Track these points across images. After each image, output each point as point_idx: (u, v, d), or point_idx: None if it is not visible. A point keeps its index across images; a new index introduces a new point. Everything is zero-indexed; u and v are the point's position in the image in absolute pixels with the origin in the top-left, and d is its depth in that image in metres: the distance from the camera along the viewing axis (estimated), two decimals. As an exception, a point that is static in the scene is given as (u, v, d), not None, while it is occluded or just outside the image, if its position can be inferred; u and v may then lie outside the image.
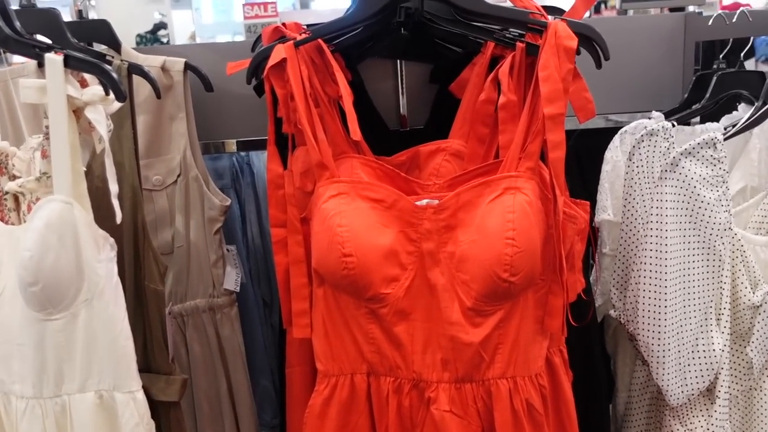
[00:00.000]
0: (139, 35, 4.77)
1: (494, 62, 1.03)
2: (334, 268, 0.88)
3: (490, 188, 0.87)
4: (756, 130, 1.25)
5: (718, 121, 1.30)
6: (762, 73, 1.26)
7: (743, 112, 1.25)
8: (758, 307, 1.06)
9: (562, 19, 0.84)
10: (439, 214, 0.89)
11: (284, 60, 0.91)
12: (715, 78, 1.29)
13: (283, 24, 1.03)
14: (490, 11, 0.88)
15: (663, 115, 1.20)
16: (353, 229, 0.88)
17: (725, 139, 1.00)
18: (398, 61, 1.28)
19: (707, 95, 1.30)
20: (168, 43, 4.70)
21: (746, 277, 1.06)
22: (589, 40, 0.86)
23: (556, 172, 0.86)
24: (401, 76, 1.29)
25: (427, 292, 0.90)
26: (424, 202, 0.91)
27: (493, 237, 0.85)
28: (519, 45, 0.93)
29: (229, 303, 1.32)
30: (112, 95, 0.87)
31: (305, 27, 1.01)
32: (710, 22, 1.19)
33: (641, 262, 1.03)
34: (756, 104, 1.02)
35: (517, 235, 0.84)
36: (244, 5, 2.32)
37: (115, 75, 0.85)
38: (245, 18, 2.28)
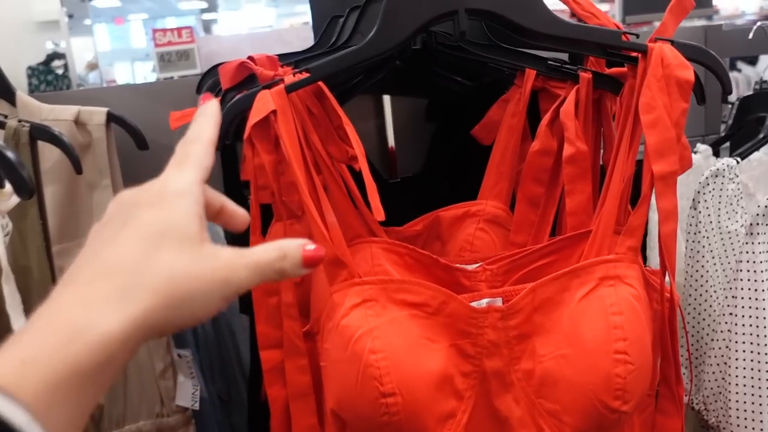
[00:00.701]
0: (30, 68, 4.21)
1: (533, 98, 0.79)
2: (370, 413, 0.61)
3: (579, 279, 0.63)
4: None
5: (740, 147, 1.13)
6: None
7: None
8: None
9: (667, 41, 0.61)
10: (508, 320, 0.63)
11: (273, 113, 0.62)
12: (737, 102, 1.12)
13: (250, 58, 0.75)
14: (564, 32, 0.62)
15: (710, 148, 1.01)
16: (392, 353, 0.61)
17: (820, 180, 0.81)
18: (382, 96, 1.03)
19: (730, 121, 1.12)
20: (65, 74, 4.19)
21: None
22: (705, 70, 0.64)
23: (668, 251, 0.63)
24: (387, 113, 1.03)
25: (495, 428, 0.64)
26: (484, 302, 0.65)
27: (594, 351, 0.60)
28: (584, 76, 0.69)
29: (184, 422, 1.01)
30: (8, 187, 0.55)
31: (290, 64, 0.73)
32: (750, 36, 1.01)
33: (728, 339, 0.82)
34: None
35: (629, 347, 0.60)
36: (154, 32, 1.98)
37: (12, 157, 0.54)
38: (157, 45, 1.94)
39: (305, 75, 0.63)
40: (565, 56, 0.79)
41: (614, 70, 0.70)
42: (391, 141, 1.04)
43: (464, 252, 0.78)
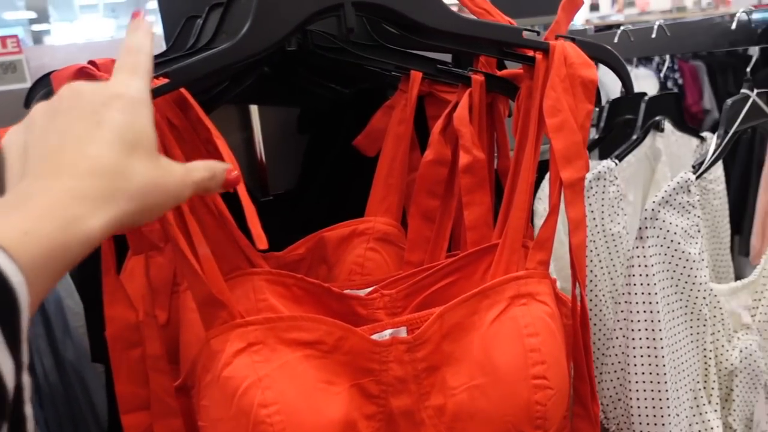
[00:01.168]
0: None
1: (419, 105, 0.73)
2: (263, 478, 0.51)
3: (489, 300, 0.57)
4: (663, 157, 1.12)
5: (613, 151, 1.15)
6: (658, 96, 1.13)
7: (654, 139, 1.11)
8: (736, 369, 0.89)
9: (568, 38, 0.57)
10: (415, 352, 0.56)
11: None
12: (607, 105, 1.14)
13: (92, 62, 0.62)
14: (462, 28, 0.56)
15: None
16: (286, 405, 0.52)
17: (697, 177, 0.82)
18: (248, 106, 0.92)
19: (602, 124, 1.14)
20: None
21: (724, 336, 0.89)
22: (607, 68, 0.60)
23: (579, 263, 0.59)
24: (255, 125, 0.93)
25: (407, 473, 0.57)
26: (387, 334, 0.58)
27: (510, 378, 0.54)
28: (476, 79, 0.64)
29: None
30: None
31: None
32: (615, 39, 1.02)
33: (625, 345, 0.80)
34: (718, 132, 0.86)
35: (547, 371, 0.55)
36: (-28, 38, 1.72)
37: None
38: (-24, 54, 1.69)
39: (163, 81, 0.52)
40: (447, 58, 0.74)
41: (506, 72, 0.66)
42: (260, 155, 0.94)
43: (354, 275, 0.70)
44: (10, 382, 0.28)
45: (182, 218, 0.54)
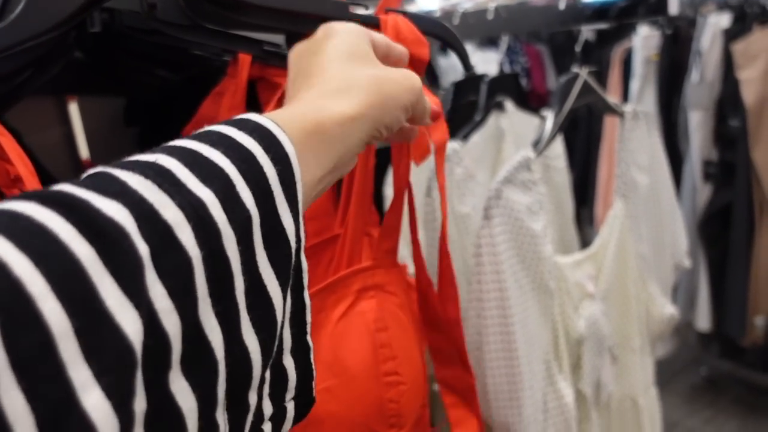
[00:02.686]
0: None
1: (252, 88, 0.68)
2: None
3: (335, 294, 0.54)
4: (508, 137, 1.15)
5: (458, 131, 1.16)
6: (496, 76, 1.15)
7: (498, 119, 1.13)
8: (583, 337, 0.93)
9: (400, 12, 0.54)
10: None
11: None
12: (451, 87, 1.15)
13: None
14: (281, 3, 0.52)
15: (434, 133, 1.00)
16: None
17: (538, 155, 0.84)
18: (66, 98, 0.83)
19: (448, 106, 1.15)
20: None
21: (570, 306, 0.92)
22: (442, 45, 0.58)
23: (416, 246, 0.57)
24: (74, 119, 0.84)
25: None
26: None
27: (361, 377, 0.51)
28: (306, 60, 0.60)
29: None
30: None
31: None
32: (456, 21, 1.02)
33: (479, 324, 0.81)
34: (553, 110, 0.88)
35: (399, 366, 0.52)
36: None
37: None
38: None
39: None
40: (281, 40, 0.69)
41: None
42: (83, 152, 0.85)
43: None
44: (293, 241, 0.31)
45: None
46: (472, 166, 1.04)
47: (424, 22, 0.54)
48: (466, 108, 1.08)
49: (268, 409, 0.32)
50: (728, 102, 1.89)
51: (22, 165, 0.47)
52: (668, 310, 1.13)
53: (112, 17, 0.59)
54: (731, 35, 1.85)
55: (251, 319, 0.28)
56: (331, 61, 0.39)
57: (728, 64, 1.86)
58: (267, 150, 0.30)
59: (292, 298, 0.32)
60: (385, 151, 0.64)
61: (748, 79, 1.82)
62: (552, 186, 1.13)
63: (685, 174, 2.02)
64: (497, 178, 0.79)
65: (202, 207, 0.26)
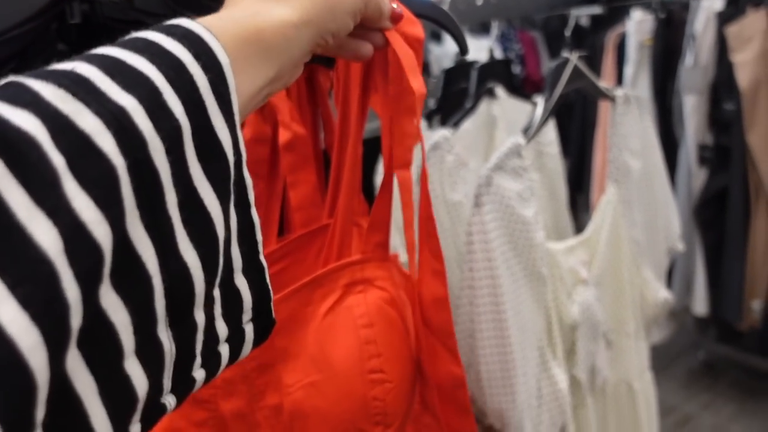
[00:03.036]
0: None
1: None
2: None
3: (322, 288, 0.53)
4: (500, 123, 1.14)
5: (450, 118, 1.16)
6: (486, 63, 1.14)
7: (491, 105, 1.12)
8: (576, 322, 0.93)
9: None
10: (243, 347, 0.52)
11: None
12: (442, 74, 1.15)
13: None
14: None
15: (425, 120, 1.00)
16: None
17: (528, 141, 0.83)
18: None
19: (439, 93, 1.15)
20: None
21: (564, 292, 0.92)
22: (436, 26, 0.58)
23: (428, 232, 0.57)
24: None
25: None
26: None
27: (346, 373, 0.51)
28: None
29: None
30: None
31: None
32: (446, 7, 1.02)
33: (471, 312, 0.81)
34: (544, 96, 0.88)
35: (385, 363, 0.52)
36: None
37: None
38: None
39: None
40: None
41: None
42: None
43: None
44: (230, 153, 0.30)
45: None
46: (464, 154, 1.04)
47: (416, 5, 0.54)
48: (456, 95, 1.08)
49: (222, 330, 0.31)
50: (723, 85, 1.88)
51: None
52: (662, 294, 1.13)
53: (92, 8, 0.59)
54: (725, 18, 1.84)
55: (188, 234, 0.27)
56: None
57: (722, 47, 1.86)
58: (197, 57, 0.29)
59: (237, 214, 0.31)
60: (375, 141, 0.63)
61: (743, 62, 1.81)
62: (545, 172, 1.13)
63: (680, 159, 2.02)
64: (487, 165, 0.79)
65: (124, 114, 0.25)
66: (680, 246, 1.21)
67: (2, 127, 0.22)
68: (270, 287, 0.35)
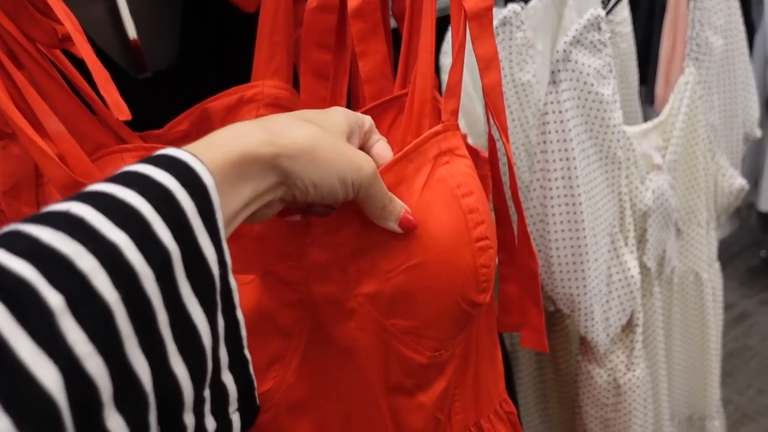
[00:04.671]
0: None
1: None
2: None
3: (413, 163, 0.49)
4: (570, 2, 1.07)
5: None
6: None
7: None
8: (649, 209, 0.90)
9: None
10: (334, 234, 0.49)
11: None
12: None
13: None
14: None
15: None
16: None
17: (607, 14, 0.77)
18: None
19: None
20: None
21: (637, 177, 0.88)
22: None
23: (495, 107, 0.54)
24: (116, -7, 0.80)
25: (336, 362, 0.52)
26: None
27: (455, 247, 0.48)
28: None
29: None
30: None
31: None
32: None
33: (543, 195, 0.78)
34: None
35: (488, 229, 0.50)
36: None
37: None
38: None
39: None
40: None
41: None
42: (131, 31, 0.82)
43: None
44: (215, 269, 0.32)
45: (19, 94, 0.45)
46: (530, 35, 0.98)
47: None
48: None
49: (211, 424, 0.34)
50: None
51: (69, 23, 0.45)
52: (738, 182, 1.08)
53: None
54: None
55: (178, 348, 0.30)
56: (279, 118, 0.40)
57: None
58: (184, 185, 0.31)
59: (224, 319, 0.34)
60: (441, 20, 0.59)
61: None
62: (617, 53, 1.06)
63: (756, 45, 1.89)
64: (566, 39, 0.73)
65: (117, 251, 0.27)
66: (758, 132, 1.14)
67: (2, 275, 0.24)
68: (254, 377, 0.37)
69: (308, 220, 0.48)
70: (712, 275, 1.10)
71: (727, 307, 2.11)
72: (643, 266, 0.93)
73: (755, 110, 1.12)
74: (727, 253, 2.37)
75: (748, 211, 2.15)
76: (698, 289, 1.08)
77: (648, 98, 2.05)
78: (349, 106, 0.61)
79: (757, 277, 2.27)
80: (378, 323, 0.50)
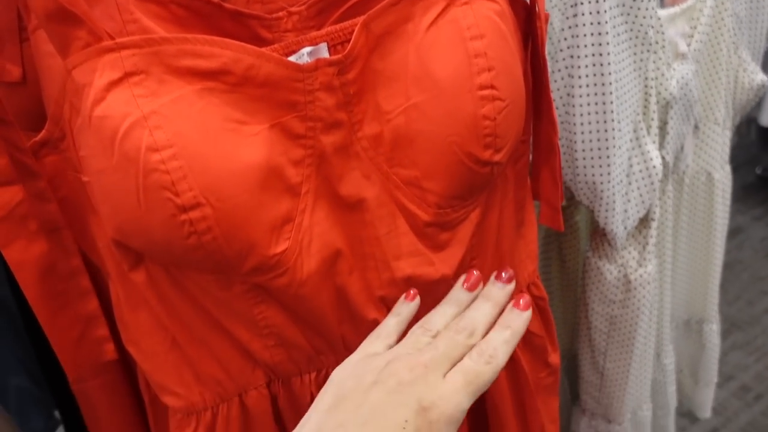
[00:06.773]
0: None
1: None
2: (168, 237, 0.42)
3: (423, 2, 0.45)
4: None
5: None
6: None
7: None
8: (673, 99, 0.85)
9: None
10: (346, 73, 0.45)
11: None
12: None
13: None
14: None
15: None
16: (185, 148, 0.41)
17: None
18: None
19: None
20: None
21: (664, 64, 0.83)
22: None
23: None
24: None
25: (348, 218, 0.49)
26: (305, 53, 0.46)
27: (452, 91, 0.45)
28: None
29: None
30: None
31: None
32: None
33: (569, 75, 0.73)
34: None
35: (496, 79, 0.45)
36: None
37: None
38: None
39: None
40: None
41: None
42: None
43: (254, 4, 0.57)
44: None
45: None
46: None
47: None
48: None
49: None
50: None
51: None
52: (759, 77, 1.03)
53: None
54: None
55: None
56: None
57: None
58: None
59: None
60: None
61: None
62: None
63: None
64: None
65: None
66: (783, 28, 1.08)
67: None
68: None
69: (316, 62, 0.44)
70: (724, 177, 1.07)
71: (720, 221, 2.11)
72: (662, 159, 0.89)
73: (782, 3, 1.05)
74: (722, 169, 2.36)
75: (748, 127, 2.11)
76: (708, 190, 1.05)
77: None
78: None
79: (751, 193, 2.26)
80: (382, 171, 0.47)
